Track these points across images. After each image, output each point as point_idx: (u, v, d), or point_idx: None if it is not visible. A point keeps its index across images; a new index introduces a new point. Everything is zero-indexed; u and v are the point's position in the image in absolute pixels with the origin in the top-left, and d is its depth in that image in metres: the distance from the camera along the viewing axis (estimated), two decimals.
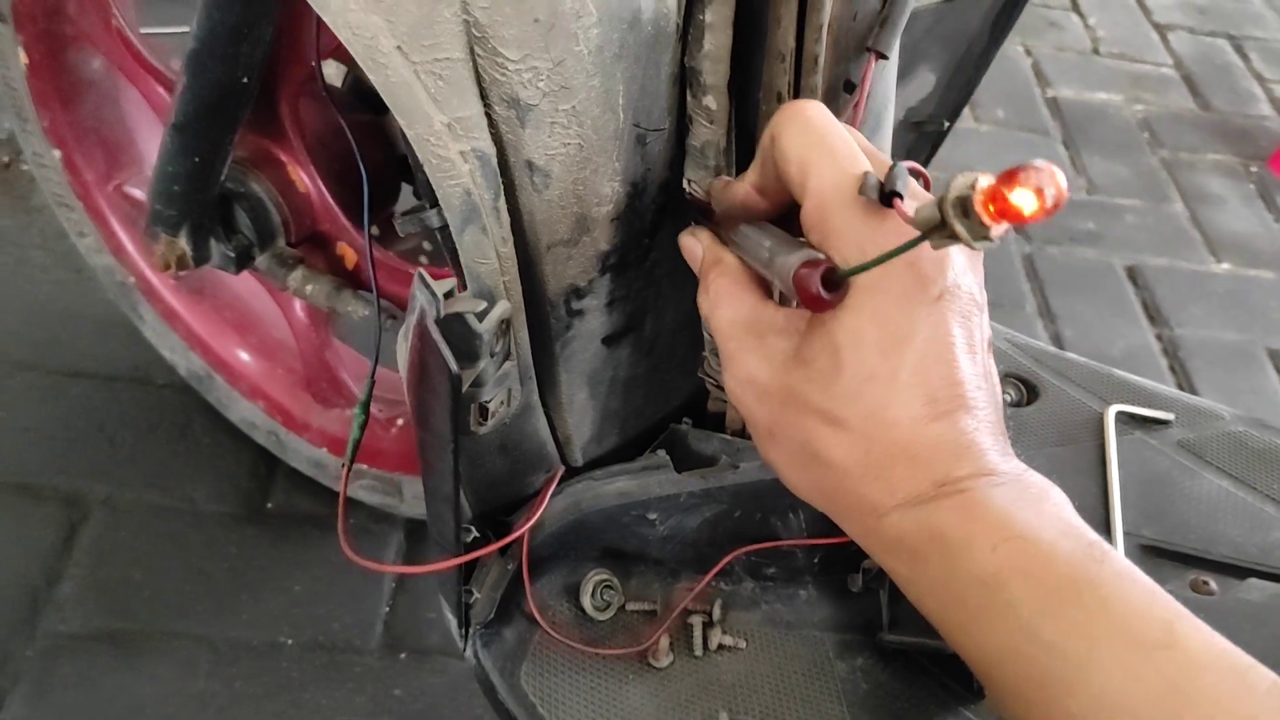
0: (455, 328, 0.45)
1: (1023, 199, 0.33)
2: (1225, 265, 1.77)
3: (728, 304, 0.47)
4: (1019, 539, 0.39)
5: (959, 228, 0.34)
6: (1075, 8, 2.40)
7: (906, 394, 0.41)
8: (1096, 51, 2.27)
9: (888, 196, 0.39)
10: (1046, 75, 2.16)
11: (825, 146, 0.44)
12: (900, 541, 0.42)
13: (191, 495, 1.14)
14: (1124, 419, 0.82)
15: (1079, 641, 0.37)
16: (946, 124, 0.85)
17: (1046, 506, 0.41)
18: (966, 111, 1.98)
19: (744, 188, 0.49)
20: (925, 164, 0.89)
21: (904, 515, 0.41)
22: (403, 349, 0.47)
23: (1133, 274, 1.72)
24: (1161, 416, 0.82)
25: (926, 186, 0.45)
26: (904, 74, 0.78)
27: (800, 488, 0.46)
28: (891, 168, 0.39)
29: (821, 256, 0.41)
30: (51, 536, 1.08)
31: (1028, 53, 2.21)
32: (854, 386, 0.41)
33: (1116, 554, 0.40)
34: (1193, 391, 1.51)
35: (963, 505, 0.40)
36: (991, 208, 0.33)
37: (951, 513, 0.40)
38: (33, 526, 1.08)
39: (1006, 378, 0.86)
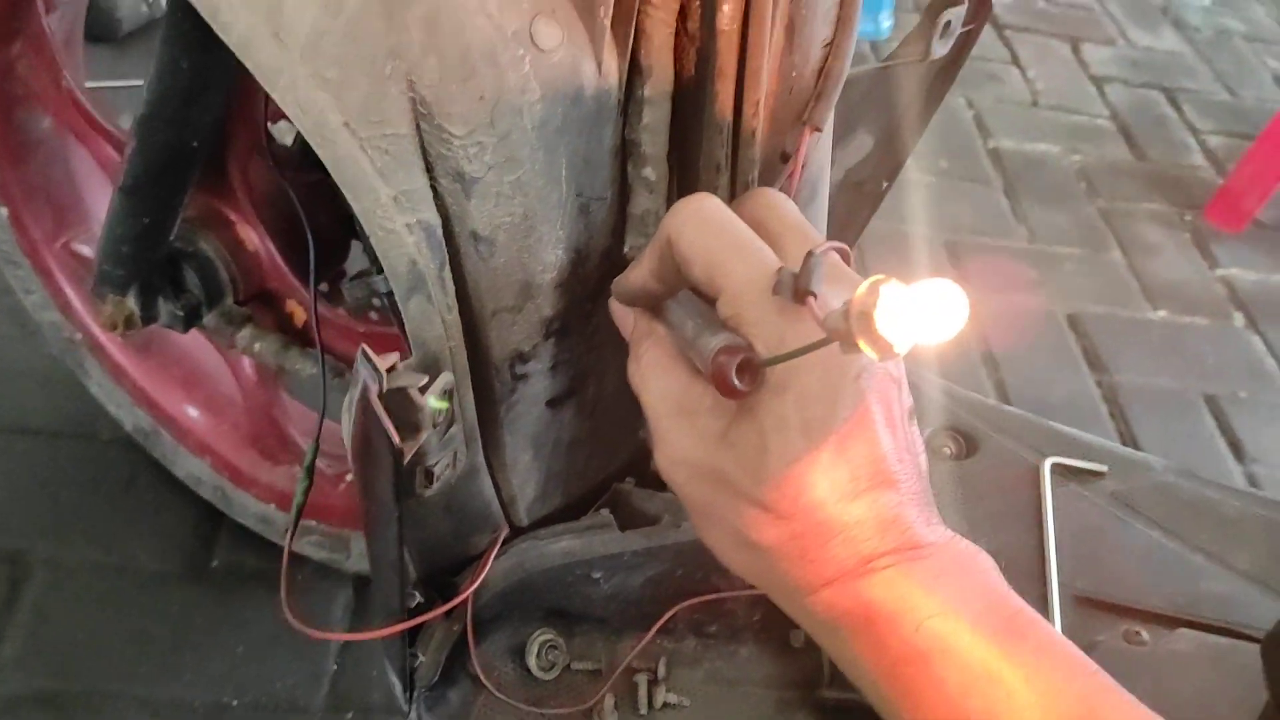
0: (398, 401, 0.45)
1: (924, 320, 0.33)
2: (1162, 312, 1.81)
3: (658, 378, 0.48)
4: (942, 615, 0.40)
5: (861, 342, 0.35)
6: (1015, 61, 2.47)
7: (830, 475, 0.42)
8: (1036, 103, 2.33)
9: (801, 294, 0.40)
10: (988, 126, 2.21)
11: (729, 244, 0.45)
12: (831, 619, 0.43)
13: (135, 553, 1.12)
14: (1060, 471, 0.84)
15: None
16: (885, 184, 0.87)
17: (972, 576, 0.42)
18: (911, 162, 2.02)
19: (641, 276, 0.50)
20: (866, 222, 0.91)
21: (833, 593, 0.42)
22: (347, 420, 0.48)
23: (1073, 321, 1.76)
24: (1095, 468, 0.84)
25: (848, 261, 0.46)
26: (843, 137, 0.81)
27: (735, 567, 0.47)
28: (808, 259, 0.40)
29: (740, 342, 0.42)
30: None
31: (969, 105, 2.26)
32: (779, 470, 0.42)
33: (1039, 624, 0.41)
34: (1132, 438, 1.55)
35: (888, 581, 0.41)
36: (892, 323, 0.34)
37: (878, 589, 0.41)
38: None
39: (947, 431, 0.88)
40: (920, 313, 0.34)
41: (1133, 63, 2.56)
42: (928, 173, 2.03)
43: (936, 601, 0.41)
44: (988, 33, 2.47)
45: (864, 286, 0.35)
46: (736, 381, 0.42)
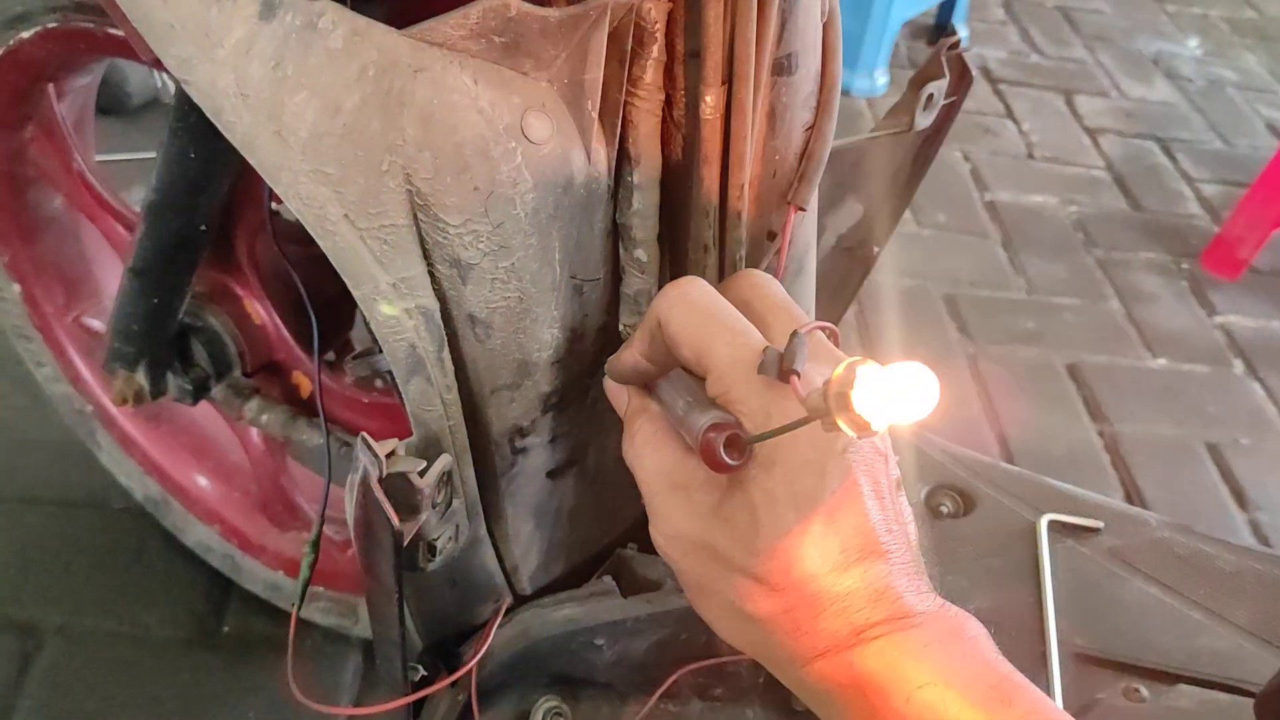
0: (397, 486, 0.47)
1: (898, 401, 0.35)
2: (1161, 360, 1.83)
3: (652, 454, 0.49)
4: (930, 686, 0.41)
5: (840, 421, 0.36)
6: (1010, 114, 2.50)
7: (821, 547, 0.43)
8: (1031, 156, 2.36)
9: (786, 373, 0.42)
10: (984, 179, 2.24)
11: (716, 326, 0.46)
12: (825, 690, 0.44)
13: (146, 621, 1.14)
14: (1056, 528, 0.85)
15: None
16: (876, 249, 0.89)
17: (961, 644, 0.43)
18: (909, 216, 2.05)
19: (633, 357, 0.51)
20: (859, 285, 0.93)
21: (827, 664, 0.43)
22: (350, 501, 0.50)
23: (1073, 371, 1.77)
24: (1091, 524, 0.85)
25: (836, 342, 0.48)
26: (834, 204, 0.83)
27: (732, 640, 0.48)
28: (792, 339, 0.42)
29: (729, 419, 0.44)
30: (4, 667, 1.07)
31: (966, 158, 2.29)
32: (771, 543, 0.43)
33: (1026, 690, 0.42)
34: (1135, 488, 1.55)
35: (880, 651, 0.42)
36: (868, 403, 0.35)
37: (870, 659, 0.42)
38: None
39: (943, 489, 0.89)
40: (895, 393, 0.35)
41: (1126, 114, 2.59)
42: (926, 226, 2.06)
43: (927, 671, 0.42)
44: (982, 87, 2.52)
45: (841, 367, 0.36)
46: (725, 457, 0.43)
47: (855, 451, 0.45)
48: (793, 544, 0.43)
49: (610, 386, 0.55)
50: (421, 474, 0.48)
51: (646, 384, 0.53)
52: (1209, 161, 2.44)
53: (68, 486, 1.24)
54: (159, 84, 1.80)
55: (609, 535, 0.73)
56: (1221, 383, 1.80)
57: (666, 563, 0.49)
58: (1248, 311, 1.97)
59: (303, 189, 0.50)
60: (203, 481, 1.13)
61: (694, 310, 0.47)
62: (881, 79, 2.44)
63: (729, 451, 0.44)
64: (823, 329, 0.48)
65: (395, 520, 0.44)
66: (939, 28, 2.71)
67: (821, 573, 0.43)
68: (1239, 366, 1.84)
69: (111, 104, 1.77)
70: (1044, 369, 1.76)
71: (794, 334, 0.43)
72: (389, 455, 0.46)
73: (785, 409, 0.42)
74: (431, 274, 0.52)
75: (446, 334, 0.53)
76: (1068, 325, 1.87)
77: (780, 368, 0.43)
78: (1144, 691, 0.73)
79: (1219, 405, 1.74)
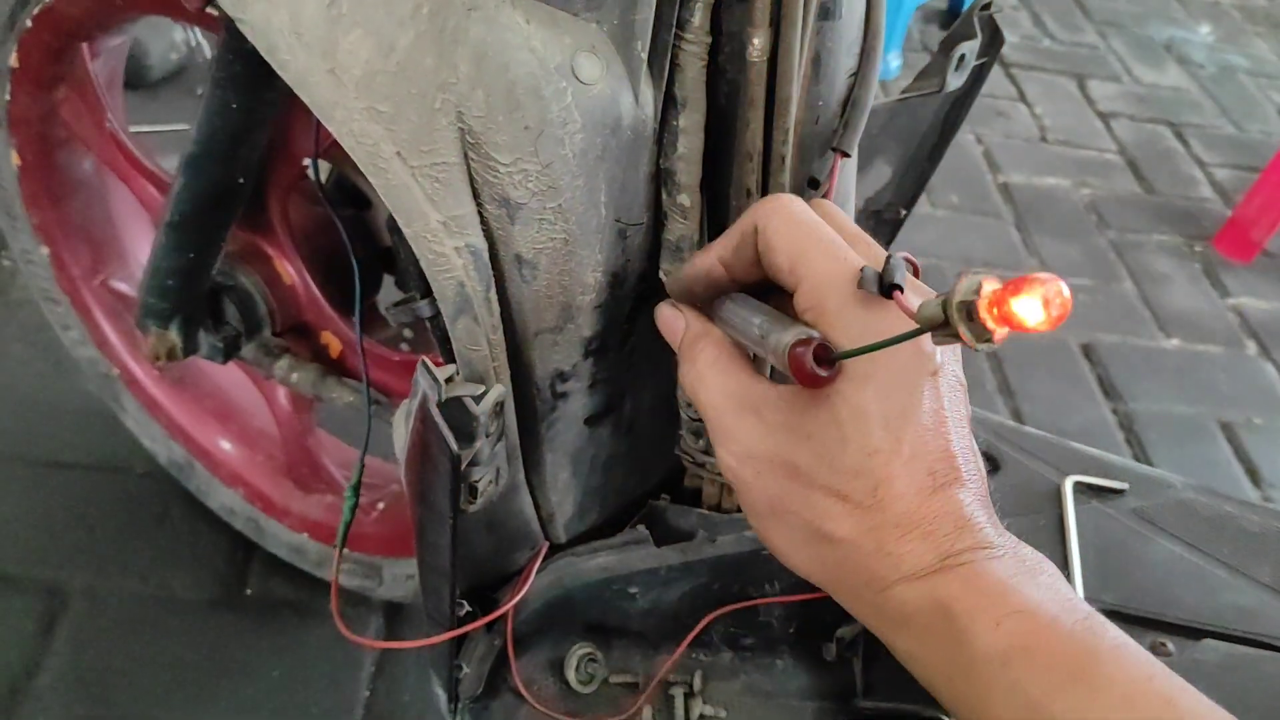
0: (455, 411, 0.48)
1: (1028, 310, 0.34)
2: (1175, 341, 1.83)
3: (718, 377, 0.48)
4: (1020, 614, 0.40)
5: (963, 330, 0.36)
6: (1022, 98, 2.51)
7: (910, 467, 0.42)
8: (1044, 139, 2.37)
9: (888, 288, 0.41)
10: (997, 162, 2.24)
11: (815, 239, 0.46)
12: (906, 616, 0.43)
13: (170, 583, 1.15)
14: (1081, 489, 0.85)
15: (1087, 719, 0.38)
16: (903, 212, 0.90)
17: (1043, 579, 0.42)
18: (923, 197, 2.06)
19: (710, 260, 0.50)
20: (886, 249, 0.93)
21: (909, 588, 0.42)
22: (401, 431, 0.50)
23: (1087, 351, 1.78)
24: (1116, 486, 0.85)
25: (916, 274, 0.48)
26: (862, 166, 0.83)
27: (802, 564, 0.47)
28: (888, 259, 0.42)
29: (814, 334, 0.43)
30: (31, 627, 1.08)
31: (979, 141, 2.30)
32: (858, 461, 0.42)
33: (1111, 626, 0.41)
34: (1149, 464, 1.56)
35: (965, 578, 0.41)
36: (996, 312, 0.35)
37: (955, 585, 0.41)
38: (12, 617, 1.09)
39: None
40: (1023, 304, 0.35)
41: (1138, 98, 2.59)
42: (940, 207, 2.06)
43: (1017, 599, 0.41)
44: (995, 70, 2.51)
45: (964, 279, 0.36)
46: (817, 369, 0.42)
47: (944, 375, 0.44)
48: (882, 463, 0.42)
49: (664, 315, 0.54)
50: (477, 400, 0.48)
51: (704, 309, 0.53)
52: (1221, 146, 2.45)
53: (92, 451, 1.25)
54: (193, 42, 1.80)
55: (643, 485, 0.74)
56: (1235, 363, 1.81)
57: (736, 485, 0.48)
58: (1261, 294, 1.97)
59: (356, 126, 0.50)
60: (227, 445, 1.14)
61: (793, 221, 0.47)
62: (895, 61, 2.44)
63: (817, 364, 0.43)
64: (905, 259, 0.48)
65: (454, 444, 0.45)
66: (951, 12, 2.71)
67: (909, 493, 0.42)
68: (1252, 347, 1.85)
69: (131, 77, 1.77)
70: (1058, 348, 1.77)
71: (890, 254, 0.43)
72: (448, 380, 0.47)
73: (880, 325, 0.42)
74: (480, 213, 0.53)
75: (494, 274, 0.54)
76: (1081, 305, 1.87)
77: (881, 282, 0.42)
78: (1170, 646, 0.73)
79: (1232, 385, 1.75)
